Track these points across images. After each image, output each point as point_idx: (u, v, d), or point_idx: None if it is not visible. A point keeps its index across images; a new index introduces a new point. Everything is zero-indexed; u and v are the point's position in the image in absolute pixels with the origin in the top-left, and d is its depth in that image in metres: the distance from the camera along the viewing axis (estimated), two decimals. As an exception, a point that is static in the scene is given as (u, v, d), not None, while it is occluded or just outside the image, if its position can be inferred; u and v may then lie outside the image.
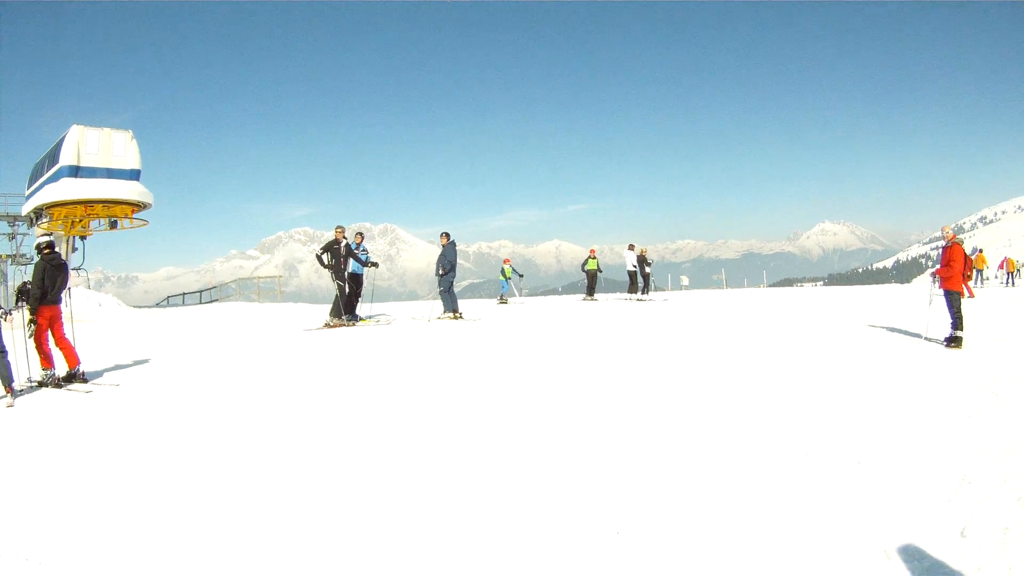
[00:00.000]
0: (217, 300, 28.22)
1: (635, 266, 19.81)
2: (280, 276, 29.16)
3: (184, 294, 30.40)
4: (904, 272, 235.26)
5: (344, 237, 12.23)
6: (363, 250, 13.07)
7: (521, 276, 21.13)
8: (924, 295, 12.91)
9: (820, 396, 5.61)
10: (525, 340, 9.67)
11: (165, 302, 30.67)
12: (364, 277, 13.14)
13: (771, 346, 8.70)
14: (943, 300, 8.77)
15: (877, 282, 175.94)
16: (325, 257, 12.02)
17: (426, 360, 8.16)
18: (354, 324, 12.34)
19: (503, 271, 20.70)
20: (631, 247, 20.27)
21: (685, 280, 47.03)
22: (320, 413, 5.57)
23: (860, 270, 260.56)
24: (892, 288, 30.14)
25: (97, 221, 23.11)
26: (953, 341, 8.25)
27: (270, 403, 6.03)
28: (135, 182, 21.90)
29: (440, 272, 12.86)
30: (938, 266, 8.93)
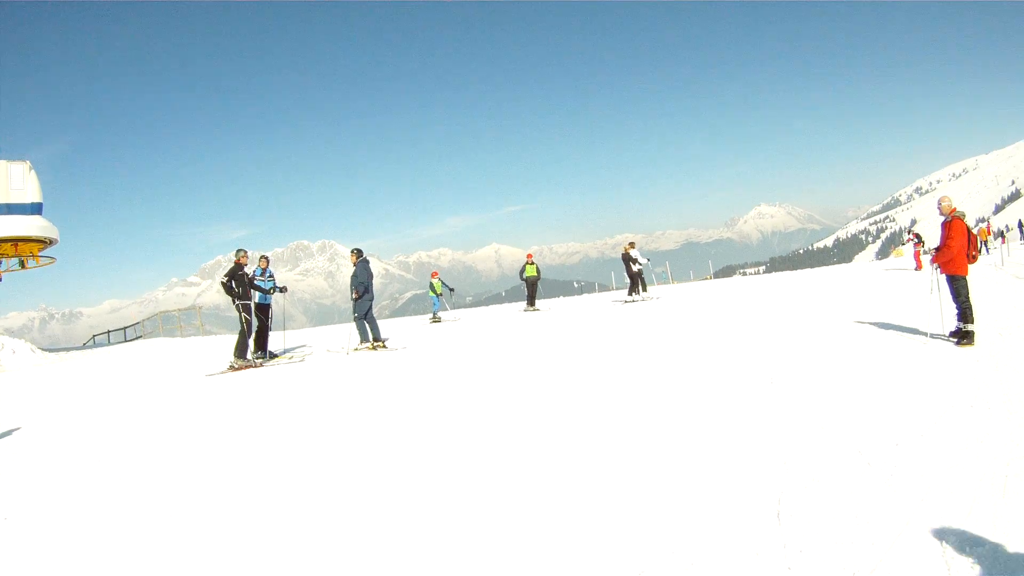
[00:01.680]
0: (141, 336, 26.65)
1: (640, 265, 19.41)
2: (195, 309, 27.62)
3: (109, 332, 28.68)
4: (845, 250, 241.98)
5: (247, 262, 11.18)
6: (269, 275, 11.97)
7: (452, 290, 20.14)
8: (925, 282, 11.85)
9: (819, 432, 4.52)
10: (460, 376, 8.23)
11: (92, 342, 28.97)
12: (271, 307, 12.03)
13: (763, 360, 7.30)
14: (947, 288, 7.57)
15: (820, 263, 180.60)
16: (233, 284, 10.88)
17: (329, 421, 6.43)
18: (261, 364, 11.18)
19: (432, 286, 19.82)
20: (632, 245, 19.62)
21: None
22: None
23: (801, 251, 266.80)
24: (841, 270, 29.96)
25: (3, 261, 21.45)
26: (963, 337, 7.11)
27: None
28: (37, 216, 20.28)
29: (354, 296, 11.89)
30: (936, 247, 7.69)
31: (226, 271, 11.08)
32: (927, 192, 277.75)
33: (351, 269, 11.81)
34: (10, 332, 23.84)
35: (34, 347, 20.33)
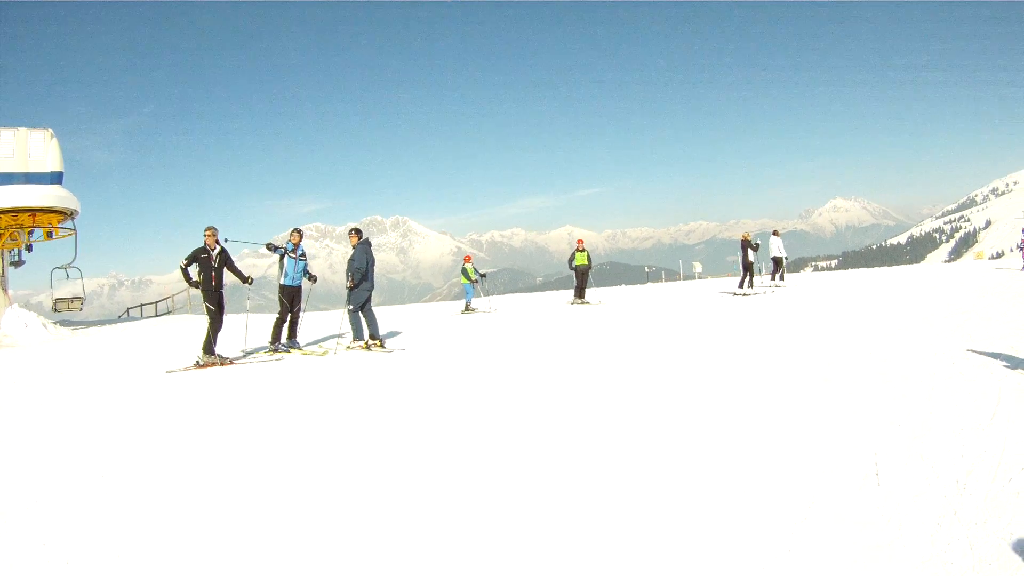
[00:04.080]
0: (169, 312, 25.62)
1: (780, 250, 19.12)
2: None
3: (142, 305, 27.92)
4: (918, 248, 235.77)
5: (218, 243, 9.17)
6: (301, 254, 10.03)
7: (484, 276, 17.83)
8: None
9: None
10: (454, 399, 6.02)
11: (126, 315, 28.39)
12: (301, 290, 10.20)
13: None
14: None
15: (893, 260, 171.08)
16: (193, 271, 9.07)
17: (246, 447, 4.81)
18: (230, 361, 9.21)
19: (464, 271, 17.35)
20: (775, 233, 19.67)
21: (698, 267, 44.09)
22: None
23: (874, 247, 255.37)
24: (921, 270, 27.05)
25: (31, 231, 20.49)
26: None
27: None
28: (56, 186, 19.10)
29: (348, 284, 9.89)
30: None
31: (188, 254, 9.13)
32: (1003, 193, 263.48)
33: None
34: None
35: (47, 321, 19.28)
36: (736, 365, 6.63)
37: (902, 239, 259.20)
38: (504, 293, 35.43)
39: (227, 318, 9.66)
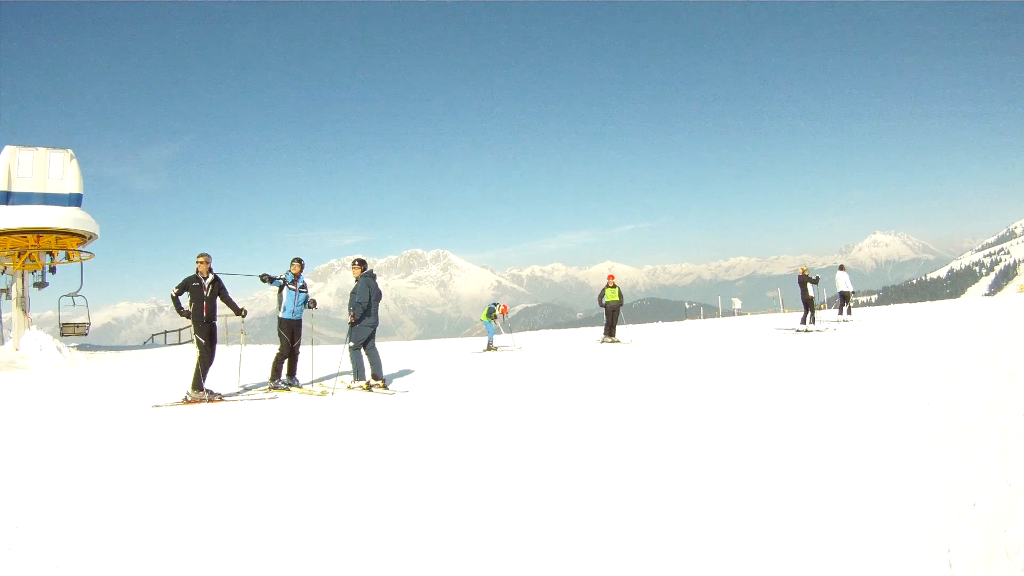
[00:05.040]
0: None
1: (847, 285, 19.24)
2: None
3: (166, 332, 27.62)
4: (958, 282, 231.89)
5: (211, 271, 8.51)
6: (301, 285, 9.29)
7: (501, 314, 16.70)
8: None
9: None
10: (454, 456, 4.99)
11: (151, 341, 28.19)
12: (302, 324, 9.46)
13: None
14: None
15: (933, 294, 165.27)
16: (184, 300, 8.36)
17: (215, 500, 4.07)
18: (221, 399, 8.41)
19: (490, 310, 16.35)
20: (842, 267, 20.11)
21: (737, 303, 42.81)
22: None
23: (914, 281, 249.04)
24: (962, 305, 25.24)
25: (50, 253, 20.24)
26: None
27: None
28: (75, 208, 18.81)
29: (350, 319, 9.05)
30: None
31: (179, 282, 8.45)
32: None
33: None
34: (118, 321, 23.05)
35: (63, 344, 18.88)
36: (778, 425, 5.43)
37: (942, 273, 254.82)
38: (540, 329, 34.43)
39: (221, 350, 8.89)
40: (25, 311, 19.94)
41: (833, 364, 9.23)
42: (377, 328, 9.16)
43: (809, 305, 16.12)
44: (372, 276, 9.13)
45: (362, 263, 9.20)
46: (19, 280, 20.15)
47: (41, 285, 20.90)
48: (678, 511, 3.47)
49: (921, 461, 3.92)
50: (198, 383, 8.37)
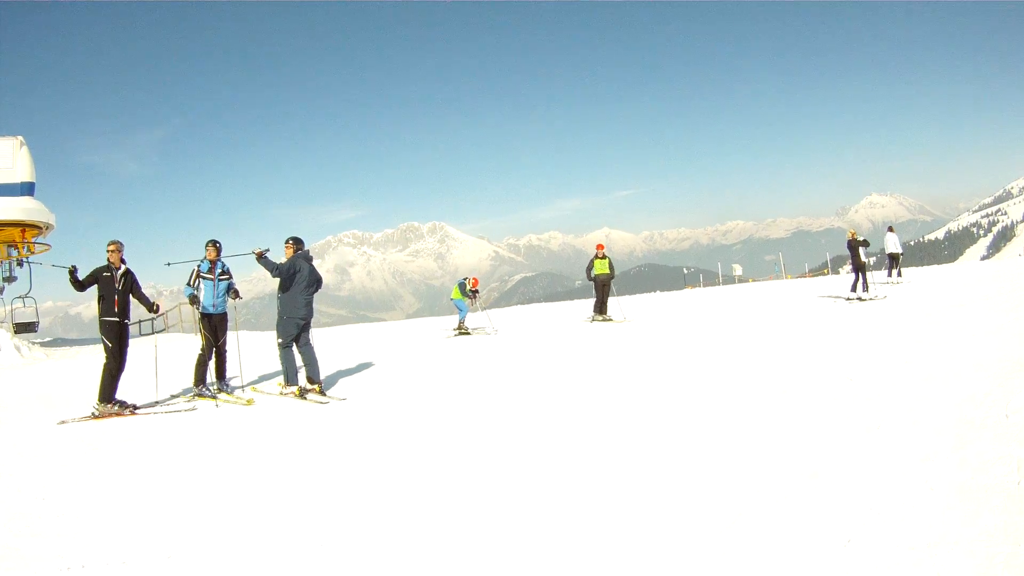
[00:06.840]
0: (164, 330, 24.11)
1: (896, 246, 19.00)
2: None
3: (140, 322, 26.61)
4: (956, 243, 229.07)
5: (123, 262, 7.36)
6: (221, 272, 8.04)
7: (476, 292, 15.18)
8: None
9: None
10: (389, 498, 3.90)
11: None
12: (227, 317, 8.29)
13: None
14: None
15: (931, 256, 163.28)
16: (96, 296, 7.29)
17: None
18: (132, 412, 7.26)
19: (462, 286, 14.89)
20: (891, 228, 19.82)
21: (738, 269, 41.91)
22: None
23: (912, 243, 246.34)
24: (964, 269, 24.04)
25: (14, 247, 19.15)
26: None
27: None
28: (27, 197, 17.67)
29: (257, 252, 7.64)
30: None
31: (90, 271, 7.32)
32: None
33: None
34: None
35: (24, 343, 17.83)
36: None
37: (939, 235, 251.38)
38: (538, 301, 33.36)
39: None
40: (-15, 309, 18.94)
41: (912, 346, 7.38)
42: (311, 321, 7.85)
43: (862, 270, 15.12)
44: (307, 258, 7.83)
45: (297, 242, 7.87)
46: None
47: (9, 279, 19.90)
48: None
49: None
50: (107, 394, 7.25)
